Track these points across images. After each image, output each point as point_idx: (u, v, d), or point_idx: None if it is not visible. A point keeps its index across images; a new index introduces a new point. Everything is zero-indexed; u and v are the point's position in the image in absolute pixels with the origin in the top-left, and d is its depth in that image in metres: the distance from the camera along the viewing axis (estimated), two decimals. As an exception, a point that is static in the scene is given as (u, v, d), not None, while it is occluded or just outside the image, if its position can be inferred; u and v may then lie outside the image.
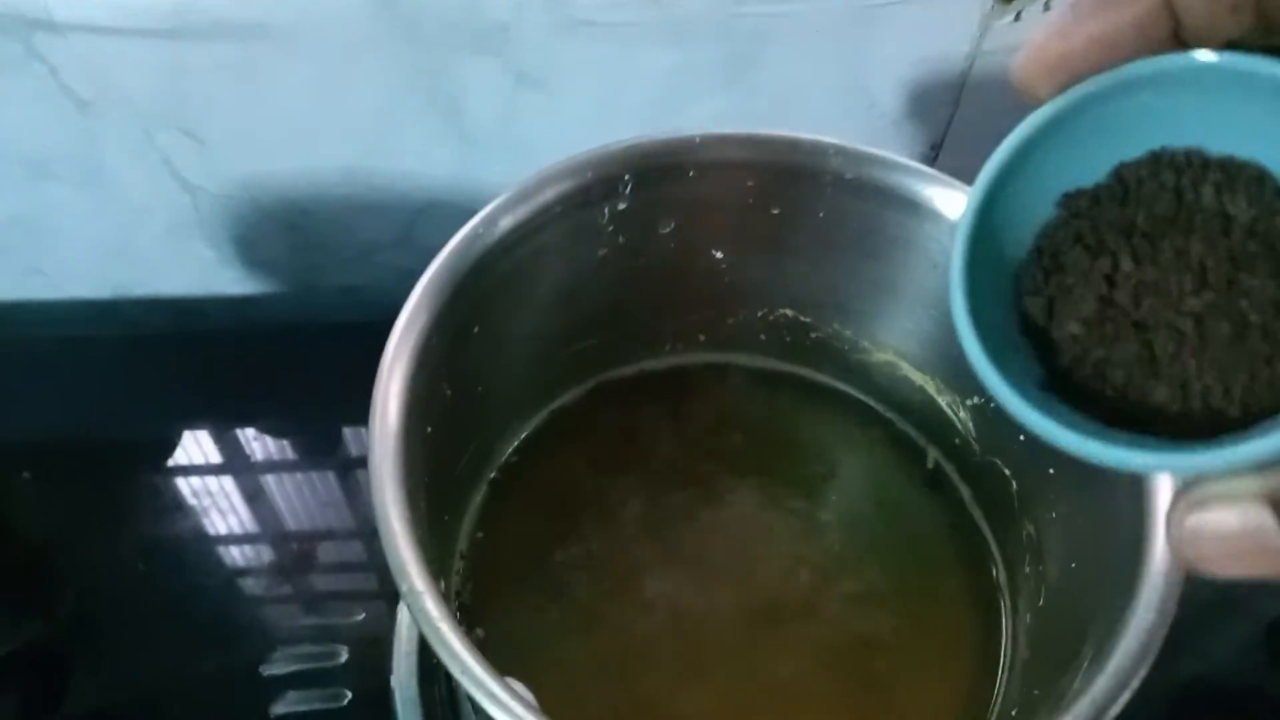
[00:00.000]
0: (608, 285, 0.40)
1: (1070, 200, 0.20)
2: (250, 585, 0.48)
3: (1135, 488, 0.30)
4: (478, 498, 0.41)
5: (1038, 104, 0.20)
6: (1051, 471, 0.36)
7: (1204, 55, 0.18)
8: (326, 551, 0.49)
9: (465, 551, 0.40)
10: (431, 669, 0.41)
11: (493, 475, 0.42)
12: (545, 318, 0.39)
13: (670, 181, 0.37)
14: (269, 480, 0.52)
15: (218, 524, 0.50)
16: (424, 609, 0.27)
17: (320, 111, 0.50)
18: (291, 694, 0.44)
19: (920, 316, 0.40)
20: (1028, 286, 0.21)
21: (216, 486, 0.52)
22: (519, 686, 0.29)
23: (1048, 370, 0.20)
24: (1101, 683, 0.27)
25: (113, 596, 0.48)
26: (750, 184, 0.38)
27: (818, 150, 0.37)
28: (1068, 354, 0.20)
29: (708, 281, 0.42)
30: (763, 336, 0.44)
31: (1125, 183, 0.20)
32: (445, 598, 0.37)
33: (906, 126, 0.52)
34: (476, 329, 0.35)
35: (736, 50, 0.47)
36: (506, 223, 0.34)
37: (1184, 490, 0.17)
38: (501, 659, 0.37)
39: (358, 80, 0.48)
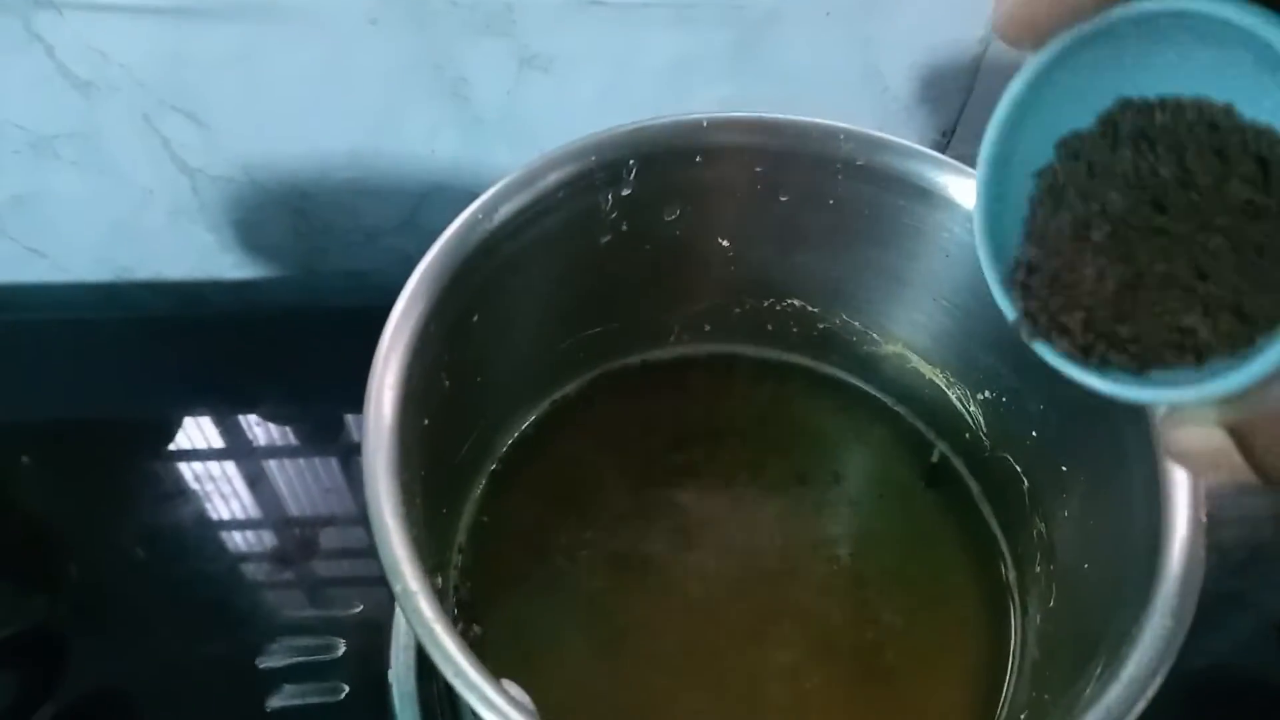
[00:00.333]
0: (611, 273, 0.39)
1: (1062, 145, 0.21)
2: (249, 573, 0.48)
3: (1151, 489, 0.29)
4: (477, 490, 0.40)
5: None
6: (1064, 469, 0.35)
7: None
8: (327, 539, 0.49)
9: (464, 545, 0.39)
10: (430, 664, 0.40)
11: (493, 467, 0.41)
12: (547, 306, 0.39)
13: (676, 167, 0.36)
14: (270, 466, 0.52)
15: (218, 510, 0.50)
16: (417, 609, 0.26)
17: (323, 94, 0.49)
18: (288, 687, 0.43)
19: (932, 308, 0.39)
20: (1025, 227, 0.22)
21: (218, 472, 0.51)
22: (515, 690, 0.28)
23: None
24: (1116, 691, 0.26)
25: (112, 582, 0.47)
26: (758, 170, 0.37)
27: (828, 135, 0.36)
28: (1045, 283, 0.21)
29: (714, 270, 0.41)
30: (769, 327, 0.44)
31: (1104, 126, 0.21)
32: (443, 592, 0.37)
33: (919, 112, 0.51)
34: (476, 318, 0.35)
35: (746, 34, 0.46)
36: (507, 209, 0.33)
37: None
38: (500, 655, 0.37)
39: (361, 62, 0.47)
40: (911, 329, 0.41)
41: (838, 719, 0.37)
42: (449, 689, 0.40)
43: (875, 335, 0.42)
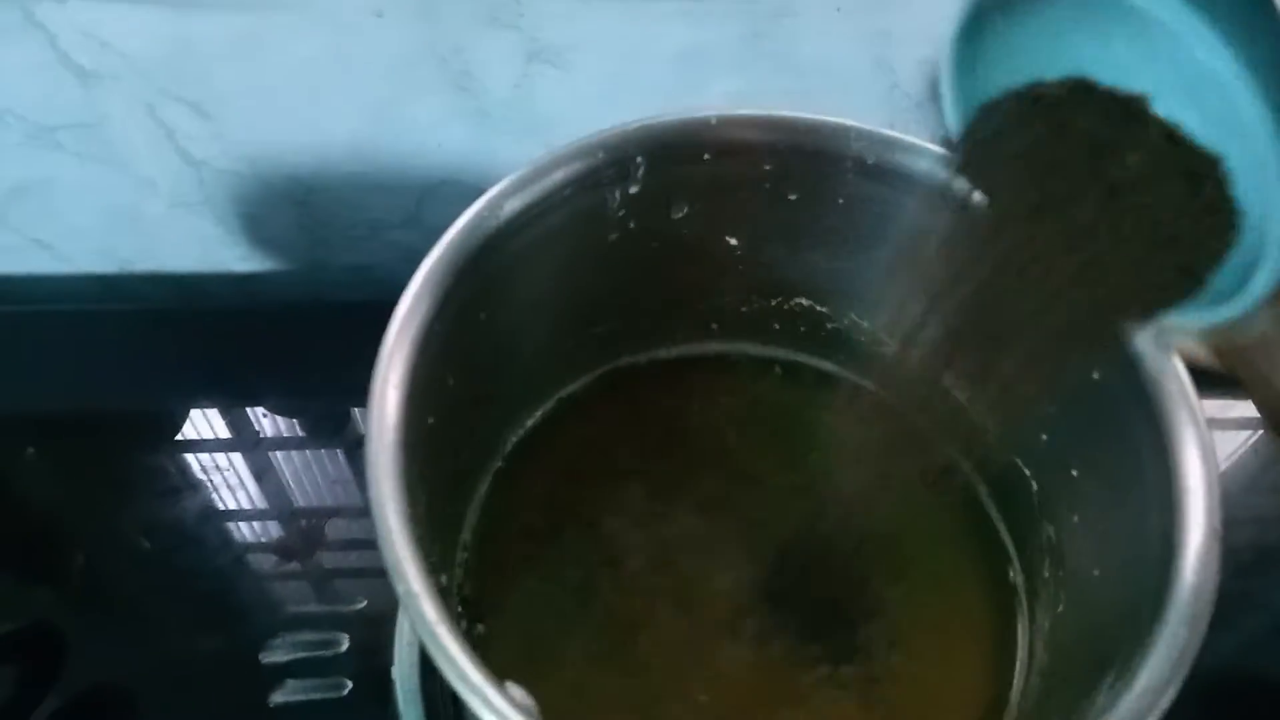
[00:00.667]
0: (618, 271, 0.39)
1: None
2: (253, 567, 0.48)
3: (1165, 497, 0.29)
4: (482, 488, 0.40)
5: None
6: (1075, 473, 0.35)
7: None
8: (331, 532, 0.49)
9: (469, 543, 0.39)
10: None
11: (497, 465, 0.41)
12: (553, 304, 0.38)
13: (685, 164, 0.36)
14: (274, 459, 0.51)
15: (221, 502, 0.50)
16: (421, 612, 0.26)
17: (328, 85, 0.48)
18: (291, 682, 0.43)
19: (938, 307, 0.39)
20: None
21: (221, 464, 0.51)
22: (519, 693, 0.28)
23: None
24: (1129, 701, 0.25)
25: (115, 575, 0.47)
26: (768, 167, 0.36)
27: (839, 133, 0.35)
28: None
29: (721, 268, 0.40)
30: (777, 326, 0.43)
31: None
32: (447, 591, 0.36)
33: (930, 109, 0.50)
34: (482, 315, 0.34)
35: (756, 27, 0.46)
36: (513, 205, 0.33)
37: None
38: (504, 654, 0.36)
39: (366, 53, 0.47)
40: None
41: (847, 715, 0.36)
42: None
43: (884, 335, 0.41)
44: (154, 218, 0.55)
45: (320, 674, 0.44)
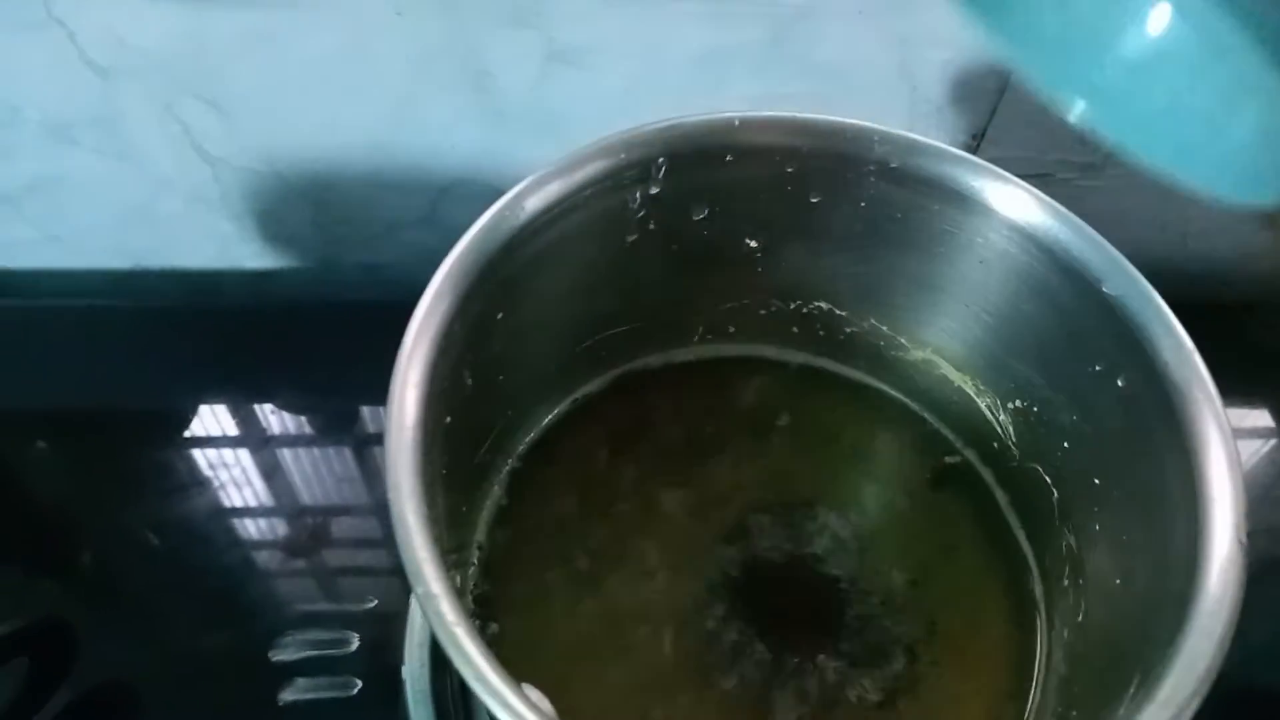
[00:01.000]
0: (636, 273, 0.39)
1: None
2: (262, 564, 0.48)
3: (1190, 508, 0.28)
4: (496, 488, 0.40)
5: None
6: (1097, 482, 0.35)
7: None
8: (341, 530, 0.49)
9: (482, 542, 0.39)
10: (444, 660, 0.40)
11: (512, 465, 0.40)
12: (571, 305, 0.38)
13: (706, 165, 0.36)
14: (284, 456, 0.51)
15: (231, 500, 0.49)
16: (439, 613, 0.26)
17: (345, 83, 0.48)
18: (301, 680, 0.43)
19: (964, 315, 0.38)
20: None
21: (232, 461, 0.51)
22: (536, 695, 0.28)
23: None
24: (1151, 712, 0.25)
25: (124, 571, 0.47)
26: (789, 170, 0.36)
27: (862, 136, 0.35)
28: None
29: (740, 271, 0.40)
30: (795, 330, 0.43)
31: None
32: (461, 590, 0.36)
33: (949, 113, 0.50)
34: (500, 315, 0.34)
35: (777, 30, 0.45)
36: (534, 205, 0.33)
37: None
38: (517, 653, 0.36)
39: (384, 51, 0.47)
40: (942, 335, 0.40)
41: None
42: (463, 686, 0.40)
43: (904, 340, 0.41)
44: (169, 214, 0.55)
45: (330, 672, 0.43)
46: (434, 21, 0.45)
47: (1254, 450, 0.54)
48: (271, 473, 0.51)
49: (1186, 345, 0.30)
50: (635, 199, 0.35)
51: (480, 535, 0.39)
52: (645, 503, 0.41)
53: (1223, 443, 0.28)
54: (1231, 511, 0.27)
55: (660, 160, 0.35)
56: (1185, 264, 0.59)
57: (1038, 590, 0.38)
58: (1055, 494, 0.37)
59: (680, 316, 0.42)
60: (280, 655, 0.44)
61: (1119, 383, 0.32)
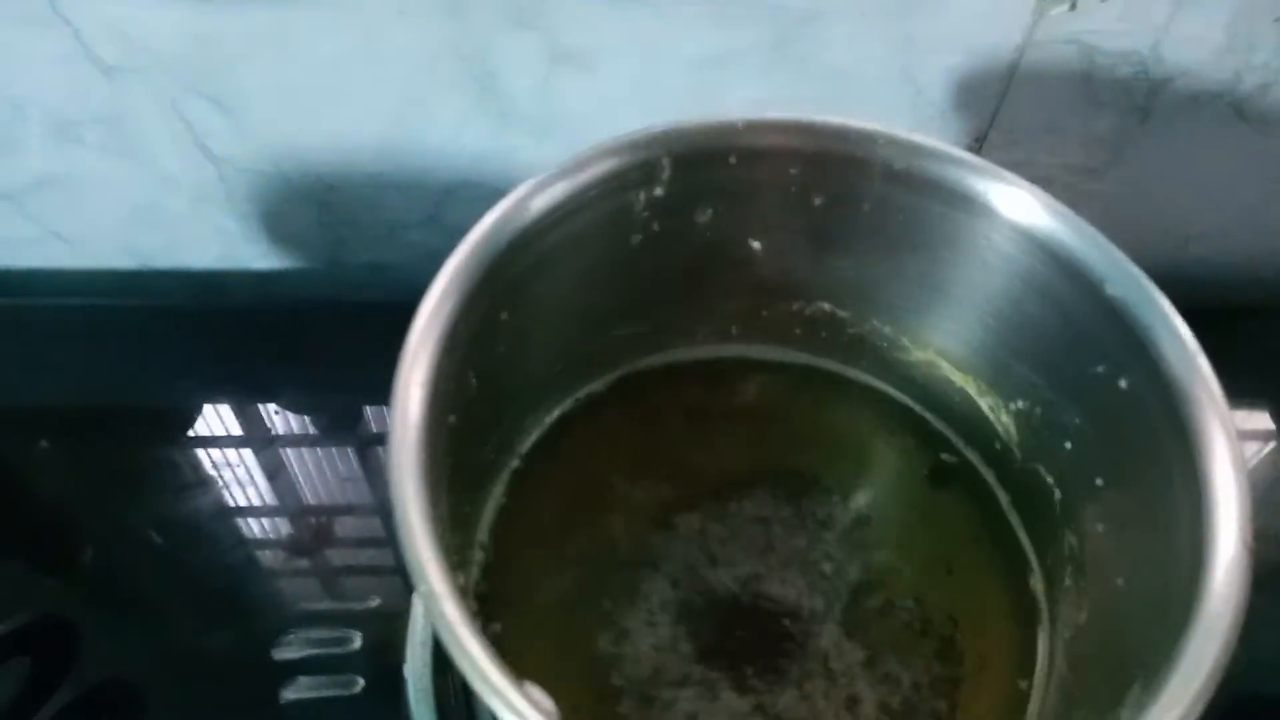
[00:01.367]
0: (640, 274, 0.39)
1: None
2: (265, 563, 0.48)
3: (1195, 509, 0.28)
4: (499, 488, 0.40)
5: None
6: (1100, 483, 0.35)
7: None
8: (344, 529, 0.49)
9: (485, 543, 0.39)
10: (446, 659, 0.40)
11: (515, 465, 0.40)
12: (575, 305, 0.38)
13: (711, 167, 0.36)
14: (288, 455, 0.51)
15: (234, 498, 0.50)
16: (442, 613, 0.26)
17: (350, 84, 0.48)
18: (303, 679, 0.43)
19: (968, 317, 0.38)
20: None
21: (235, 460, 0.51)
22: (538, 694, 0.28)
23: None
24: (1154, 715, 0.25)
25: (126, 569, 0.47)
26: (794, 172, 0.36)
27: (866, 138, 0.35)
28: None
29: (743, 272, 0.40)
30: (798, 331, 0.43)
31: None
32: (464, 591, 0.36)
33: (952, 116, 0.50)
34: (504, 316, 0.34)
35: (783, 32, 0.46)
36: (540, 205, 0.33)
37: None
38: (520, 653, 0.36)
39: (389, 52, 0.47)
40: (944, 337, 0.40)
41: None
42: (465, 685, 0.40)
43: (906, 341, 0.41)
44: (174, 214, 0.55)
45: (332, 671, 0.44)
46: (438, 22, 0.45)
47: (1254, 453, 0.54)
48: (275, 472, 0.51)
49: (1190, 346, 0.30)
50: (639, 200, 0.35)
51: (482, 535, 0.39)
52: (647, 503, 0.41)
53: (1227, 444, 0.28)
54: (1237, 514, 0.27)
55: (664, 162, 0.35)
56: (1188, 268, 0.59)
57: (1040, 591, 0.38)
58: (1058, 494, 0.37)
59: (683, 317, 0.42)
60: (282, 654, 0.44)
61: (1122, 384, 0.32)
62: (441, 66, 0.47)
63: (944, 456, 0.42)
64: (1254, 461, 0.53)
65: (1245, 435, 0.54)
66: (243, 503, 0.50)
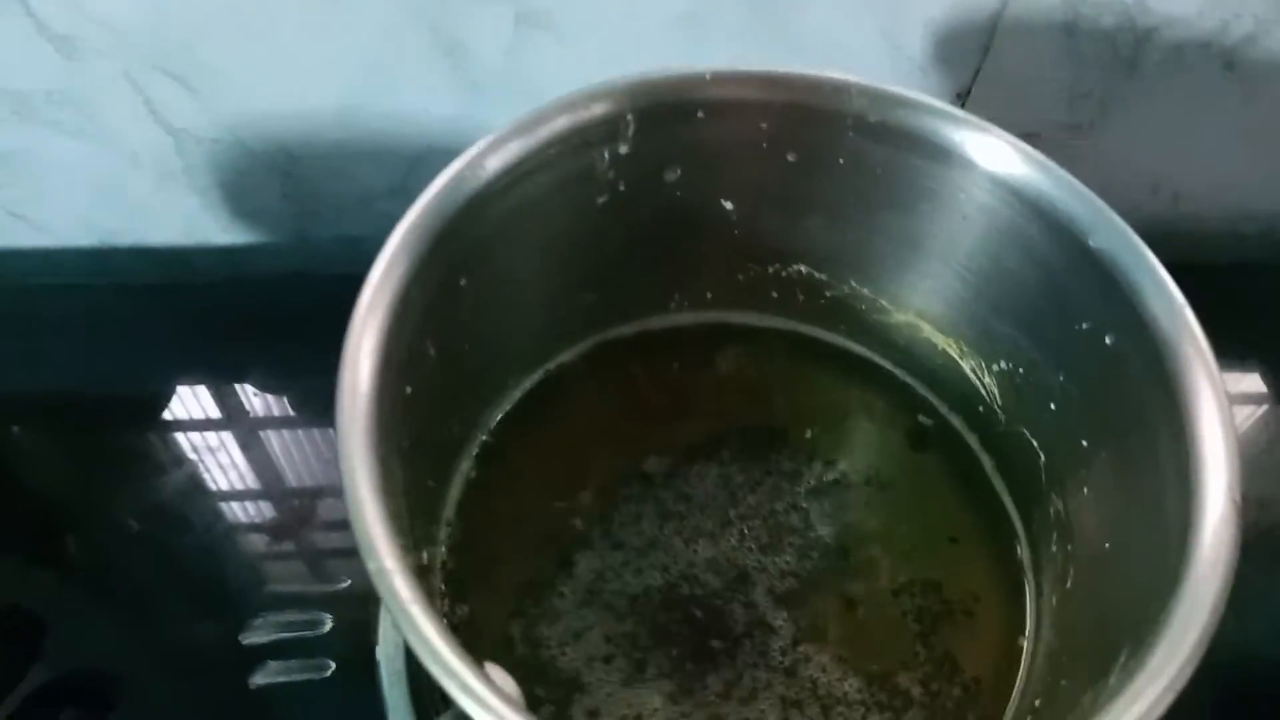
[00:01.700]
0: (608, 237, 0.37)
1: None
2: (235, 547, 0.47)
3: (1182, 468, 0.27)
4: (466, 463, 0.39)
5: None
6: (1085, 444, 0.33)
7: None
8: (314, 511, 0.47)
9: (452, 519, 0.38)
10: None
11: (483, 439, 0.39)
12: (539, 271, 0.37)
13: (677, 123, 0.34)
14: (258, 435, 0.50)
15: (201, 482, 0.48)
16: (393, 589, 0.24)
17: (312, 51, 0.47)
18: (273, 663, 0.42)
19: (946, 274, 0.37)
20: None
21: (202, 443, 0.50)
22: (499, 674, 0.27)
23: None
24: (1143, 681, 0.24)
25: (93, 556, 0.46)
26: (764, 127, 0.35)
27: (839, 90, 0.34)
28: None
29: (716, 234, 0.39)
30: (774, 295, 0.42)
31: None
32: (429, 569, 0.35)
33: (933, 72, 0.49)
34: (463, 282, 0.33)
35: (756, -12, 0.44)
36: (496, 164, 0.31)
37: None
38: (488, 634, 0.35)
39: (353, 17, 0.45)
40: (924, 297, 0.39)
41: (846, 700, 0.35)
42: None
43: (885, 303, 0.40)
44: (136, 190, 0.53)
45: (303, 655, 0.42)
46: (401, -15, 0.44)
47: (1247, 415, 0.53)
48: (245, 453, 0.49)
49: (1177, 300, 0.29)
50: (604, 159, 0.34)
51: (450, 512, 0.38)
52: (621, 475, 0.40)
53: (1215, 399, 0.27)
54: (1225, 471, 0.26)
55: (628, 117, 0.33)
56: (1177, 225, 0.58)
57: (1025, 557, 0.37)
58: (1042, 458, 0.36)
59: (655, 283, 0.41)
60: (251, 638, 0.43)
61: (1107, 341, 0.31)
62: (405, 31, 0.46)
63: (927, 420, 0.41)
64: (1246, 425, 0.52)
65: (1237, 398, 0.53)
66: (211, 485, 0.48)
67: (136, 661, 0.43)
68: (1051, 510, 0.35)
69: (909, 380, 0.42)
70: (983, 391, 0.39)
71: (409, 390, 0.30)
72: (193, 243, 0.57)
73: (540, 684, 0.35)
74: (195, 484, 0.48)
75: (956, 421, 0.41)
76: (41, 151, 0.51)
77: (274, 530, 0.46)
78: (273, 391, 0.52)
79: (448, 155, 0.51)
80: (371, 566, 0.25)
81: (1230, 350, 0.53)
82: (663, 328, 0.43)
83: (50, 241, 0.56)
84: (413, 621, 0.24)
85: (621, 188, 0.35)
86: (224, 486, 0.48)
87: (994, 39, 0.47)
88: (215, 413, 0.51)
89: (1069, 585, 0.34)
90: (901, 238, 0.37)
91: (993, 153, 0.33)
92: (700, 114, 0.34)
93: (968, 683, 0.35)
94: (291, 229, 0.57)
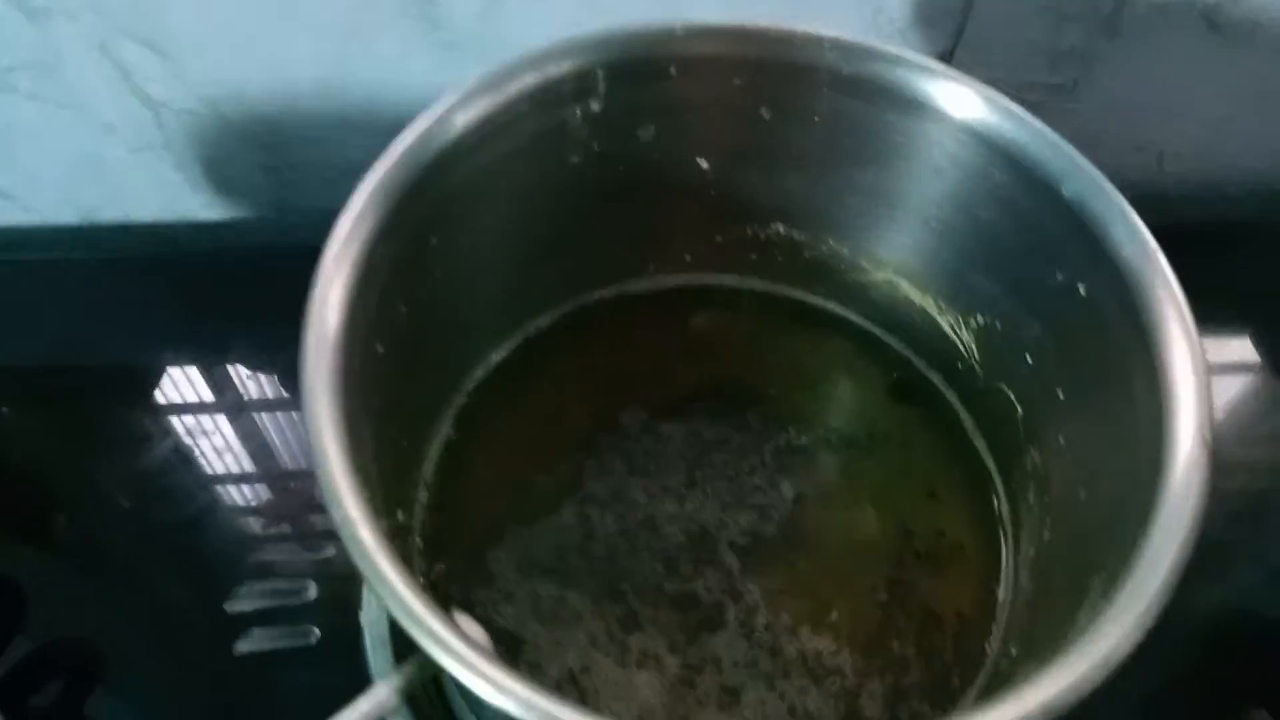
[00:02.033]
0: (583, 197, 0.37)
1: None
2: (215, 516, 0.46)
3: (1154, 411, 0.27)
4: (444, 425, 0.39)
5: None
6: (1061, 396, 0.33)
7: None
8: (297, 480, 0.47)
9: (430, 481, 0.37)
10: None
11: (462, 401, 0.39)
12: (514, 232, 0.37)
13: (650, 79, 0.34)
14: (248, 410, 0.50)
15: (191, 453, 0.48)
16: (358, 538, 0.24)
17: (288, 19, 0.46)
18: (257, 631, 0.42)
19: (922, 230, 0.37)
20: None
21: (193, 415, 0.50)
22: (468, 623, 0.27)
23: None
24: (1111, 617, 0.24)
25: (75, 526, 0.46)
26: (738, 83, 0.35)
27: (812, 44, 0.33)
28: None
29: (693, 194, 0.39)
30: (753, 256, 0.41)
31: None
32: (406, 529, 0.35)
33: (913, 35, 0.48)
34: (434, 241, 0.32)
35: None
36: (464, 120, 0.31)
37: None
38: (464, 594, 0.35)
39: (325, -16, 0.45)
40: (901, 252, 0.39)
41: (822, 655, 0.35)
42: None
43: (863, 262, 0.40)
44: (115, 164, 0.53)
45: (287, 622, 0.42)
46: (373, -52, 0.43)
47: (1236, 385, 0.52)
48: (230, 426, 0.49)
49: (1150, 245, 0.29)
50: (575, 116, 0.34)
51: (428, 474, 0.37)
52: (599, 437, 0.39)
53: (1187, 341, 0.27)
54: (1196, 411, 0.26)
55: (599, 73, 0.33)
56: (1163, 186, 0.57)
57: (1004, 510, 0.37)
58: (1020, 412, 0.36)
59: (633, 245, 0.41)
60: (236, 606, 0.43)
61: (1081, 290, 0.31)
62: (380, -4, 0.45)
63: (907, 378, 0.41)
64: (1237, 390, 0.52)
65: (1228, 368, 0.52)
66: (192, 458, 0.48)
67: (121, 632, 0.43)
68: (1029, 463, 0.35)
69: (889, 339, 0.41)
70: (961, 348, 0.39)
71: (380, 349, 0.30)
72: (174, 218, 0.57)
73: (515, 641, 0.35)
74: (180, 457, 0.48)
75: (936, 379, 0.40)
76: (19, 125, 0.50)
77: (258, 500, 0.46)
78: (259, 366, 0.52)
79: (428, 124, 0.51)
80: (337, 515, 0.25)
81: (1222, 315, 0.53)
82: (642, 291, 0.42)
83: (31, 218, 0.56)
84: (376, 568, 0.24)
85: (595, 147, 0.35)
86: (209, 459, 0.48)
87: (975, 0, 0.47)
88: (202, 387, 0.51)
89: (1046, 535, 0.34)
90: (878, 194, 0.37)
91: (965, 103, 0.33)
92: (673, 70, 0.34)
93: (945, 636, 0.35)
94: (273, 202, 0.56)
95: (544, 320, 0.41)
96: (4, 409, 0.50)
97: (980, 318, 0.37)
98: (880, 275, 0.40)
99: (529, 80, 0.32)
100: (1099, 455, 0.31)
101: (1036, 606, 0.32)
